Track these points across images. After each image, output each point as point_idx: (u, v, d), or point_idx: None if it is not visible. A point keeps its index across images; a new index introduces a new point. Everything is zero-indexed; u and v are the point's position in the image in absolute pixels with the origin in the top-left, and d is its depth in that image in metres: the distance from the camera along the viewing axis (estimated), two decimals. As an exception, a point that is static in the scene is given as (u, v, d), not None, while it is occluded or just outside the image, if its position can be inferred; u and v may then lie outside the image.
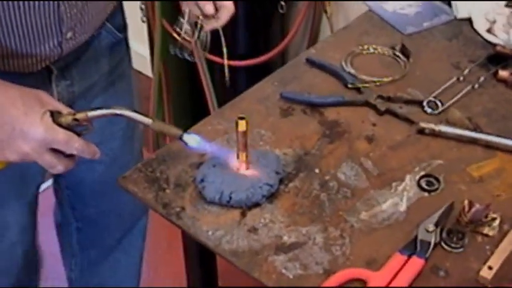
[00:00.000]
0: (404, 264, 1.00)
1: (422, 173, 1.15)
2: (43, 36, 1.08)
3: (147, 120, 1.02)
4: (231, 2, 1.19)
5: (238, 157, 1.11)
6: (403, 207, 1.09)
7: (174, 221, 1.07)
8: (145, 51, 2.41)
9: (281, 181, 1.13)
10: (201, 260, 1.23)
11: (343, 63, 1.37)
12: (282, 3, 2.04)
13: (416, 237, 1.03)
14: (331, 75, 1.35)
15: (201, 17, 1.20)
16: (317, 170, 1.15)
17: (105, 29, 1.25)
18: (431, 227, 1.04)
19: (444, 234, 1.04)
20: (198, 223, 1.07)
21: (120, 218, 1.52)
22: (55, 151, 0.99)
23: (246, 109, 1.27)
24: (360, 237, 1.05)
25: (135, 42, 2.81)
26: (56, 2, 1.05)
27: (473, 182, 1.14)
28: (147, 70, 2.63)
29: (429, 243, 1.02)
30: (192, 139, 1.03)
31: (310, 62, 1.38)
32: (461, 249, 1.03)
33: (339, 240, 1.04)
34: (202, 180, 1.10)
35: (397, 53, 1.40)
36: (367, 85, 1.31)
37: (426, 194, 1.11)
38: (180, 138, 1.03)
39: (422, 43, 1.45)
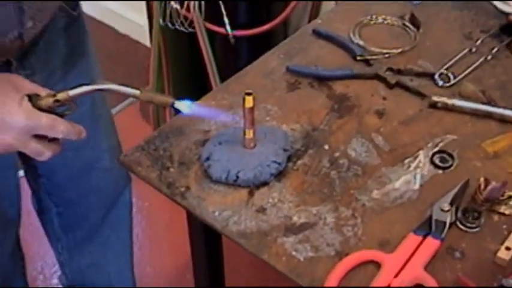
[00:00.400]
0: (419, 245, 0.96)
1: (436, 149, 1.11)
2: (3, 29, 1.00)
3: (134, 92, 0.96)
4: None
5: (244, 134, 1.06)
6: (416, 185, 1.05)
7: (179, 201, 1.03)
8: (143, 20, 2.35)
9: (289, 158, 1.09)
10: (207, 240, 1.19)
11: (351, 34, 1.32)
12: (284, -29, 1.97)
13: (430, 216, 0.99)
14: (339, 47, 1.30)
15: None
16: (326, 147, 1.11)
17: (60, 9, 1.17)
18: (446, 206, 1.00)
19: (459, 214, 1.00)
20: (204, 203, 1.03)
21: (101, 196, 1.48)
22: (39, 137, 0.94)
23: (251, 83, 1.23)
24: (372, 217, 1.01)
25: (133, 12, 2.78)
26: None
27: (488, 158, 1.09)
28: (145, 40, 2.58)
29: (444, 223, 0.98)
30: (184, 105, 0.97)
31: (317, 33, 1.33)
32: (477, 229, 0.99)
33: (351, 220, 1.01)
34: (207, 159, 1.06)
35: (407, 23, 1.35)
36: (376, 57, 1.27)
37: (440, 171, 1.07)
38: (172, 105, 0.97)
39: (432, 12, 1.39)
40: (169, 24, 1.13)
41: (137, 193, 1.77)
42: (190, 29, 1.20)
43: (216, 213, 1.01)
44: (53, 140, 0.96)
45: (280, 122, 1.15)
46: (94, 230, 1.53)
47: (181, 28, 1.13)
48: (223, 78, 1.95)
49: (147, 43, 2.45)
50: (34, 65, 1.13)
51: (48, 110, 0.94)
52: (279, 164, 1.06)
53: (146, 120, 2.46)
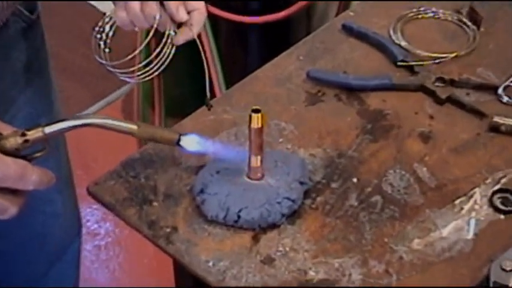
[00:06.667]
0: (471, 315, 0.94)
1: (497, 186, 1.09)
2: None
3: (130, 127, 0.98)
4: (202, 3, 1.09)
5: (250, 161, 1.05)
6: (470, 233, 1.04)
7: (163, 247, 1.02)
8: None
9: (306, 194, 1.07)
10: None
11: (392, 32, 1.32)
12: None
13: (488, 277, 0.97)
14: (375, 49, 1.30)
15: (170, 27, 1.07)
16: (355, 179, 1.10)
17: (13, 13, 1.15)
18: (509, 265, 0.97)
19: (526, 274, 0.98)
20: (195, 250, 1.01)
21: (45, 247, 1.44)
22: (2, 189, 0.91)
23: (261, 93, 1.22)
24: (411, 275, 0.99)
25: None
26: None
27: None
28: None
29: (506, 286, 0.96)
30: (191, 141, 1.01)
31: (348, 30, 1.32)
32: (547, 296, 0.97)
33: (384, 278, 0.99)
34: (201, 191, 1.05)
35: (464, 19, 1.34)
36: (422, 63, 1.25)
37: (501, 216, 1.06)
38: (178, 143, 1.00)
39: (496, 6, 1.38)
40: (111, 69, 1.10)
41: (114, 219, 1.76)
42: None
43: (210, 264, 1.00)
44: (17, 190, 0.93)
45: (296, 145, 1.14)
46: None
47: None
48: (228, 80, 1.93)
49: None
50: None
51: (13, 153, 0.91)
52: (293, 201, 1.04)
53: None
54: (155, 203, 1.06)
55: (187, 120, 1.18)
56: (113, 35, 1.10)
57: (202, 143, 1.03)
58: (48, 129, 0.94)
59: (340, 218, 1.05)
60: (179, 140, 1.02)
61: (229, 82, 1.88)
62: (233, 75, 1.30)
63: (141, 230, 1.04)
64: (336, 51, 1.29)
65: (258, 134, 1.02)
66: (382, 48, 1.28)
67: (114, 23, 1.10)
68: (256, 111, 1.01)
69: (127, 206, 1.06)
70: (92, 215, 2.28)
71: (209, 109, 1.16)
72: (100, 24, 1.10)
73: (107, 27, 1.09)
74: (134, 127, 0.99)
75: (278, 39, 1.93)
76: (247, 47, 2.02)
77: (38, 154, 0.95)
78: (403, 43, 1.29)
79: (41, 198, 1.32)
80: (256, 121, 1.01)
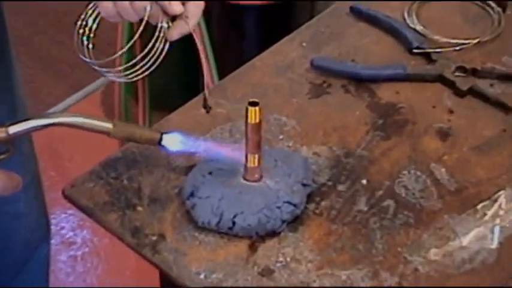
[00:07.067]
0: (495, 334, 0.95)
1: (524, 189, 1.10)
2: None
3: (104, 126, 0.99)
4: None
5: (247, 161, 1.05)
6: (494, 242, 1.04)
7: (149, 257, 1.02)
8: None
9: (309, 197, 1.08)
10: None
11: (406, 15, 1.33)
12: None
13: (513, 291, 0.98)
14: (388, 34, 1.31)
15: (163, 19, 1.08)
16: (364, 181, 1.11)
17: None
18: (537, 277, 0.99)
19: (556, 288, 0.99)
20: (185, 260, 1.02)
21: (8, 252, 1.46)
22: None
23: (259, 83, 1.23)
24: (427, 288, 1.00)
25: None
26: None
27: None
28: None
29: (533, 302, 0.97)
30: (175, 140, 1.02)
31: (356, 13, 1.34)
32: None
33: (397, 292, 1.00)
34: (192, 195, 1.06)
35: (488, 1, 1.35)
36: (441, 50, 1.26)
37: (529, 222, 1.07)
38: (159, 143, 1.01)
39: (524, -14, 1.39)
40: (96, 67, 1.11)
41: (92, 225, 1.76)
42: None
43: (202, 276, 1.00)
44: None
45: (299, 142, 1.15)
46: None
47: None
48: (221, 69, 1.94)
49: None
50: None
51: None
52: (295, 205, 1.05)
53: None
54: (139, 208, 1.07)
55: (175, 114, 1.19)
56: (96, 28, 1.10)
57: (187, 142, 1.04)
58: (12, 130, 0.95)
59: (348, 225, 1.06)
60: (161, 139, 1.02)
61: (223, 71, 1.89)
62: (227, 63, 1.31)
63: (123, 238, 1.05)
64: (344, 37, 1.30)
65: (256, 130, 1.02)
66: (395, 34, 1.29)
67: (98, 14, 1.09)
68: (254, 104, 1.01)
69: (108, 211, 1.07)
70: (67, 221, 2.28)
71: (208, 112, 1.17)
72: (83, 17, 1.09)
73: (90, 21, 1.09)
74: (109, 126, 0.99)
75: (278, 23, 1.95)
76: (243, 31, 2.03)
77: (2, 156, 0.96)
78: (418, 27, 1.30)
79: (2, 197, 1.34)
80: (254, 115, 1.01)
